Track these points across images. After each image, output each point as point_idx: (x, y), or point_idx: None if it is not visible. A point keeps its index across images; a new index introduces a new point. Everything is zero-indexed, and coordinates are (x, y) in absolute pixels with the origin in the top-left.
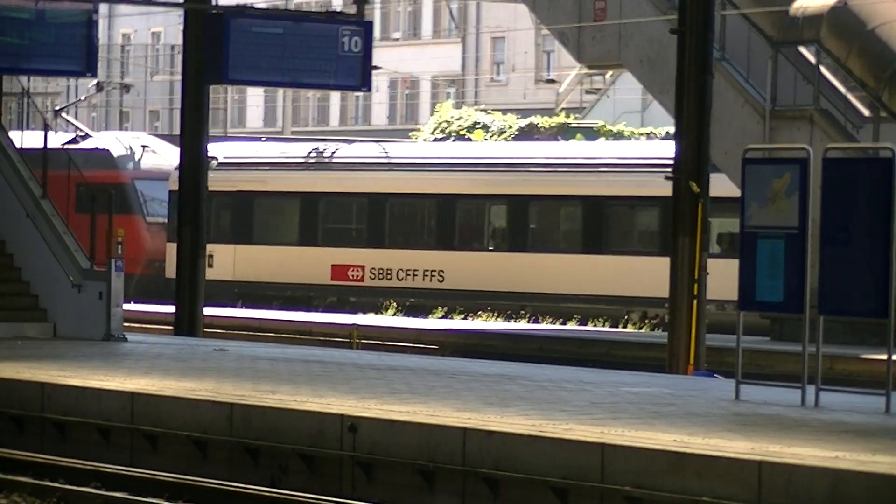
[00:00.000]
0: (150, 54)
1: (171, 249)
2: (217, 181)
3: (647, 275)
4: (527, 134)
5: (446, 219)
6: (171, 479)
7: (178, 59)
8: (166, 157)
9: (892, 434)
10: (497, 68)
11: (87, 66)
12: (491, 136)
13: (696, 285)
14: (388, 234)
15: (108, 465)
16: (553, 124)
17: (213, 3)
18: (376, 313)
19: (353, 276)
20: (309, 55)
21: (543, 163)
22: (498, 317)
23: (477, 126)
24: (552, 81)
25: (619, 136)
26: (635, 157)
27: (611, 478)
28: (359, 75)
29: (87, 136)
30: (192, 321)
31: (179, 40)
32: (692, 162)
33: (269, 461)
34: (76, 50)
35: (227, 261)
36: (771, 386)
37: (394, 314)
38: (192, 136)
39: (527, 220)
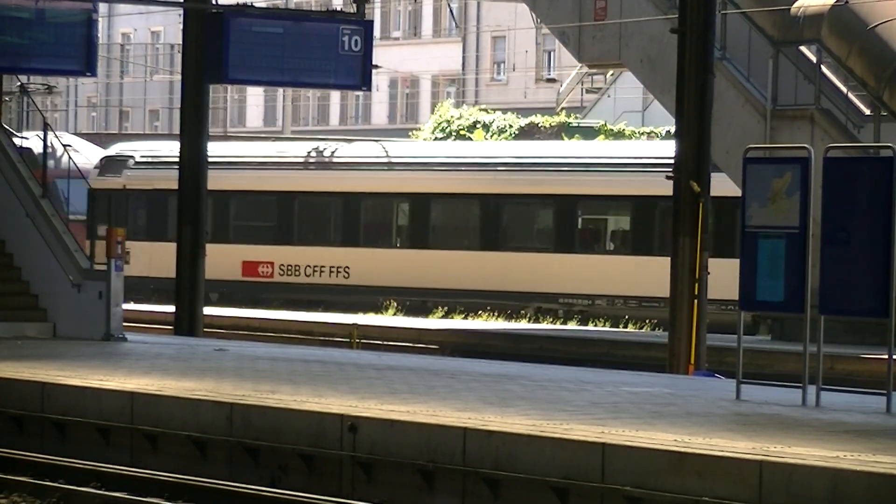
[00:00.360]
0: (149, 53)
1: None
2: (134, 180)
3: (542, 271)
4: (527, 133)
5: (352, 216)
6: (170, 479)
7: (178, 58)
8: (88, 156)
9: (892, 434)
10: (497, 67)
11: (87, 65)
12: (491, 136)
13: (696, 285)
14: (296, 231)
15: (107, 465)
16: (553, 124)
17: (213, 2)
18: (376, 313)
19: (262, 272)
20: (309, 54)
21: (444, 161)
22: (498, 317)
23: (477, 125)
24: (553, 81)
25: (619, 135)
26: (531, 157)
27: (611, 478)
28: (359, 74)
29: (11, 135)
30: (192, 321)
31: (179, 39)
32: (693, 161)
33: (268, 461)
34: (76, 49)
35: (143, 257)
36: (772, 386)
37: (394, 314)
38: (192, 135)
39: (428, 218)
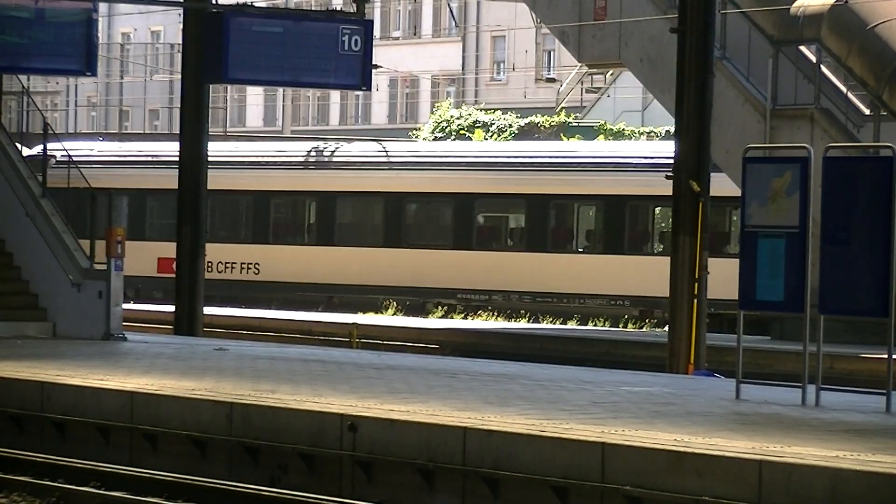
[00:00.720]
0: (149, 53)
1: None
2: (53, 178)
3: (442, 267)
4: (527, 133)
5: (262, 214)
6: (170, 479)
7: (178, 58)
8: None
9: (892, 433)
10: (497, 67)
11: (87, 65)
12: (491, 136)
13: (696, 285)
14: (208, 228)
15: (107, 464)
16: (553, 123)
17: (213, 1)
18: (376, 312)
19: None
20: (309, 54)
21: (350, 161)
22: (498, 316)
23: (477, 125)
24: (552, 80)
25: (619, 135)
26: (431, 156)
27: (611, 477)
28: (359, 74)
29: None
30: (192, 321)
31: (179, 39)
32: (693, 161)
33: (268, 461)
34: (76, 49)
35: None
36: (771, 385)
37: (393, 314)
38: (192, 135)
39: (334, 216)
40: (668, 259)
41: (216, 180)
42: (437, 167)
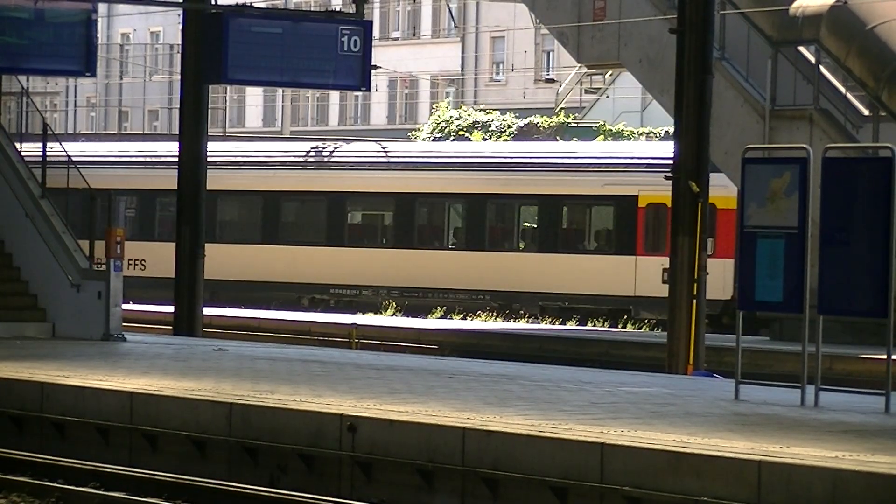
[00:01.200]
0: (149, 54)
1: None
2: None
3: (315, 264)
4: (526, 134)
5: (148, 212)
6: (169, 479)
7: (178, 58)
8: None
9: (891, 434)
10: (496, 68)
11: (87, 65)
12: (490, 136)
13: (695, 285)
14: (98, 226)
15: (106, 464)
16: (552, 124)
17: (213, 2)
18: (375, 313)
19: None
20: (308, 55)
21: (229, 161)
22: (497, 317)
23: (476, 126)
24: (552, 81)
25: (618, 135)
26: (305, 156)
27: (610, 478)
28: (358, 75)
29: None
30: (192, 321)
31: (179, 40)
32: (692, 161)
33: (268, 461)
34: (75, 50)
35: None
36: (770, 386)
37: (392, 314)
38: (191, 135)
39: (216, 214)
40: (529, 255)
41: (105, 179)
42: (309, 167)
